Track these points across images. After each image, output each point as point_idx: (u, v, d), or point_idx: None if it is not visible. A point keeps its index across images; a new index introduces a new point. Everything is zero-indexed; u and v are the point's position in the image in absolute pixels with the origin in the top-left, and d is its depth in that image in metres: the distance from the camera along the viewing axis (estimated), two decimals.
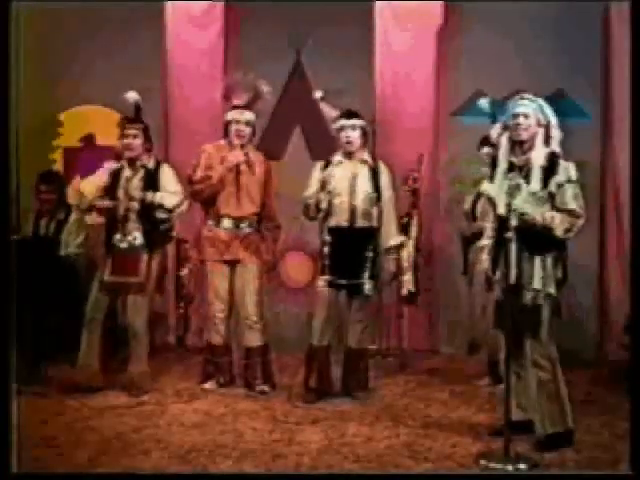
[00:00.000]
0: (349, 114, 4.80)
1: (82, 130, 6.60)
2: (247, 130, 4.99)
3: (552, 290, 3.87)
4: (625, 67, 4.91)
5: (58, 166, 6.48)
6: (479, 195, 5.21)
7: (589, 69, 6.17)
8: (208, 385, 5.04)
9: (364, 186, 4.77)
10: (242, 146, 4.97)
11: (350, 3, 6.34)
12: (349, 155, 4.82)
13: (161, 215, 4.84)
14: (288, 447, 3.90)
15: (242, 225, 5.01)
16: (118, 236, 4.86)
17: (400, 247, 5.05)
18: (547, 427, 3.87)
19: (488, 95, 5.78)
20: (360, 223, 4.75)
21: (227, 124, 5.02)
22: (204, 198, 5.03)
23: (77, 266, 5.56)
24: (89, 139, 6.60)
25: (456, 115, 6.44)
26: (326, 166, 4.84)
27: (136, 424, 4.25)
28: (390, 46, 6.46)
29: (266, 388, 4.96)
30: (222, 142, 5.08)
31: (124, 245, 4.85)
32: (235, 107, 5.01)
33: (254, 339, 5.02)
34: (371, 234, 4.78)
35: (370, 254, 4.75)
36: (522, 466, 3.62)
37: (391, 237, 4.87)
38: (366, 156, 4.87)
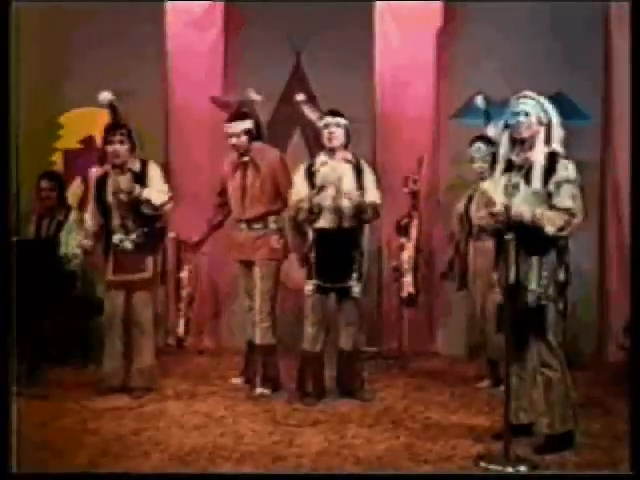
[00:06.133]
0: (334, 113, 4.85)
1: (82, 132, 6.61)
2: (236, 140, 4.99)
3: (552, 292, 3.85)
4: (625, 67, 4.91)
5: (58, 168, 6.47)
6: (471, 197, 5.21)
7: (589, 69, 6.16)
8: (235, 380, 5.23)
9: (350, 186, 4.76)
10: (243, 151, 5.03)
11: (350, 5, 6.34)
12: (332, 154, 4.82)
13: (147, 211, 4.83)
14: (288, 449, 3.90)
15: (256, 227, 5.05)
16: (120, 236, 4.87)
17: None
18: (557, 427, 3.87)
19: (487, 96, 5.81)
20: (346, 224, 4.75)
21: None
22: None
23: (77, 267, 5.56)
24: (89, 141, 6.60)
25: (456, 117, 6.44)
26: (310, 167, 4.85)
27: (136, 426, 4.25)
28: (390, 48, 6.46)
29: (265, 391, 4.96)
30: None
31: (127, 245, 4.86)
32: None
33: (258, 336, 5.05)
34: (357, 235, 4.79)
35: (357, 256, 4.77)
36: (522, 468, 3.61)
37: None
38: (349, 156, 4.87)
